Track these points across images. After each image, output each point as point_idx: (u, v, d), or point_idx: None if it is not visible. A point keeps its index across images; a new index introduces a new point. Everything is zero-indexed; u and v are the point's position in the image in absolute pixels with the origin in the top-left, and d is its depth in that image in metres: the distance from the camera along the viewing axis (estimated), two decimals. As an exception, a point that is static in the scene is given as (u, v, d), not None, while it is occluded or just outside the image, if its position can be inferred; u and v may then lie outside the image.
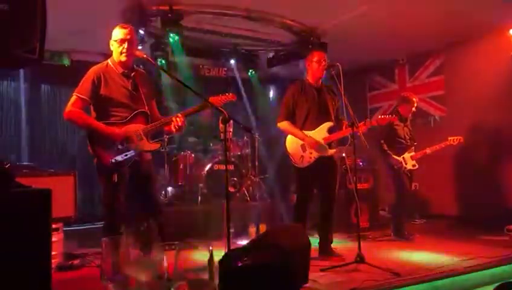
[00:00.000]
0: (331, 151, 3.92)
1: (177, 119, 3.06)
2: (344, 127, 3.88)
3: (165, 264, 1.08)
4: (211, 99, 3.15)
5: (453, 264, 3.52)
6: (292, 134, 3.95)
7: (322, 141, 3.87)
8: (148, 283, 1.11)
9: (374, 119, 3.95)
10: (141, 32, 5.32)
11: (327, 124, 3.93)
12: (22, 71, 6.27)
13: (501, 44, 5.77)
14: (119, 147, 2.95)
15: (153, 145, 3.15)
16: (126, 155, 2.95)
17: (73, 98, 2.98)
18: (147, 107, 3.13)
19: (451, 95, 6.54)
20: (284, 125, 3.98)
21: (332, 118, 3.96)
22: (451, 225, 5.78)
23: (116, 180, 2.87)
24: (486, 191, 5.75)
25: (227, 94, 3.22)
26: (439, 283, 3.14)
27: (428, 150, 4.93)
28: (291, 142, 3.97)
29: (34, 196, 1.49)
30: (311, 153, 3.87)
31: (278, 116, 4.04)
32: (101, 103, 3.01)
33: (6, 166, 1.69)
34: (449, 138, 4.92)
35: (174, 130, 3.10)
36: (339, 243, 4.38)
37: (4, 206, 1.41)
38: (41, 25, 1.58)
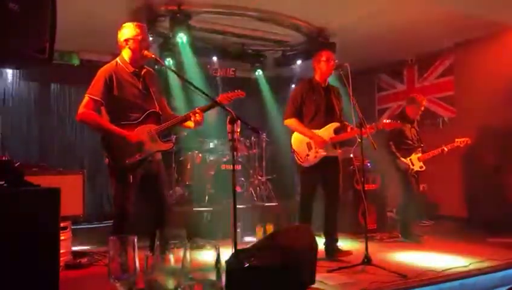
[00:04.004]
0: (338, 152, 3.90)
1: (196, 115, 3.07)
2: (349, 129, 3.87)
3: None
4: (220, 96, 3.16)
5: (461, 267, 3.48)
6: (299, 132, 3.95)
7: (329, 141, 3.87)
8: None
9: (380, 123, 3.92)
10: (149, 32, 5.34)
11: (334, 124, 3.92)
12: (31, 70, 6.33)
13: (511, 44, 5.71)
14: (134, 148, 2.95)
15: (166, 145, 3.14)
16: (141, 156, 2.95)
17: (85, 100, 2.95)
18: (158, 107, 3.13)
19: (461, 96, 6.48)
20: (291, 122, 3.97)
21: (339, 118, 3.95)
22: (460, 226, 5.73)
23: (131, 181, 2.88)
24: (496, 193, 5.69)
25: (236, 91, 3.23)
26: (447, 285, 3.12)
27: (435, 152, 4.89)
28: (297, 140, 3.96)
29: (43, 194, 1.50)
30: (316, 152, 3.87)
31: (284, 114, 4.04)
32: (114, 104, 2.98)
33: (16, 165, 1.71)
34: (456, 140, 4.88)
35: (193, 125, 3.11)
36: (346, 244, 4.36)
37: (14, 205, 1.43)
38: (52, 25, 1.59)
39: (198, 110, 3.09)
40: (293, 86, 7.83)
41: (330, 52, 4.10)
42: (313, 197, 3.98)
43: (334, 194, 3.96)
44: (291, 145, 4.00)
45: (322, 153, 3.85)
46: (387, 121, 4.04)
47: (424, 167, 4.91)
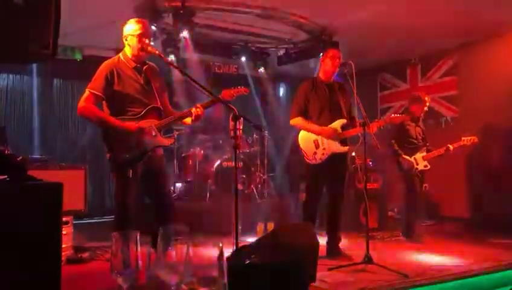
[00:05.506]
0: (345, 148, 3.89)
1: (197, 110, 3.07)
2: (358, 125, 3.83)
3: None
4: (224, 92, 3.17)
5: (462, 267, 3.49)
6: (307, 129, 3.93)
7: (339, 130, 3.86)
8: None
9: (387, 118, 3.92)
10: (153, 28, 5.33)
11: (340, 121, 3.89)
12: (34, 65, 6.34)
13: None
14: (134, 142, 2.95)
15: (167, 141, 3.15)
16: (140, 151, 2.95)
17: (86, 94, 2.96)
18: (159, 102, 3.13)
19: (464, 96, 6.47)
20: (297, 121, 3.95)
21: (345, 115, 3.93)
22: (462, 227, 5.72)
23: (130, 176, 2.88)
24: (498, 194, 5.68)
25: (239, 87, 3.23)
26: (448, 285, 3.11)
27: (441, 150, 4.86)
28: (304, 138, 3.95)
29: (45, 189, 1.50)
30: (323, 150, 3.85)
31: (290, 114, 4.02)
32: (115, 99, 2.99)
33: (19, 159, 1.71)
34: (463, 138, 4.84)
35: (190, 121, 3.11)
36: (347, 243, 4.36)
37: (16, 199, 1.43)
38: (56, 20, 1.59)
39: (199, 105, 3.10)
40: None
41: (337, 50, 4.08)
42: (319, 197, 3.96)
43: (339, 193, 3.94)
44: (298, 144, 3.98)
45: (329, 150, 3.84)
46: (395, 115, 4.06)
47: (428, 166, 4.88)
